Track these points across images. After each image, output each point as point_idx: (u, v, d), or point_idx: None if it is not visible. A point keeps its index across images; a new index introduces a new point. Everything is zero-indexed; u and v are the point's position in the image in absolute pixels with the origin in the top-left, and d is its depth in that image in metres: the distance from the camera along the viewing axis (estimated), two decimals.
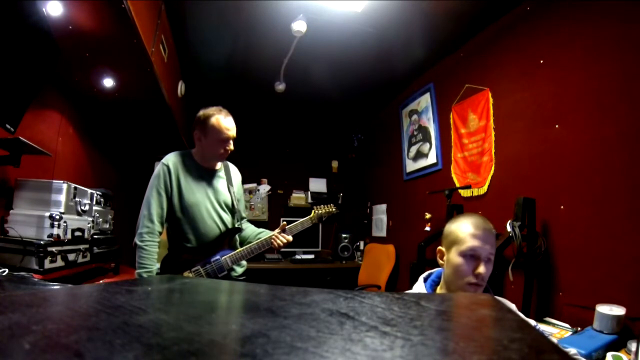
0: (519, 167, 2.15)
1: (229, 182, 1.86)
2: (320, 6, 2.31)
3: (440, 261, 1.17)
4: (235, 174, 1.93)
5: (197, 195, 1.74)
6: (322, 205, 1.91)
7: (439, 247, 1.18)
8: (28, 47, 1.48)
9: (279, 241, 1.76)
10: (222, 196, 1.80)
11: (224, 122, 1.71)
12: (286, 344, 0.23)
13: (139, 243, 1.62)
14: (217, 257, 1.72)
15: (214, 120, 1.71)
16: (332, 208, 1.91)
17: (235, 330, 0.30)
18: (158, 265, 1.68)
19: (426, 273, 1.26)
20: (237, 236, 1.88)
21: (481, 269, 1.06)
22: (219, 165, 1.86)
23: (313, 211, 1.88)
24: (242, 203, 1.97)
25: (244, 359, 0.23)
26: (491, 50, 2.45)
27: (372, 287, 3.42)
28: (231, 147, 1.75)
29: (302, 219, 1.83)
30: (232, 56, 3.07)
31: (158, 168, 1.73)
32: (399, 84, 3.54)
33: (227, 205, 1.82)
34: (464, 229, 1.10)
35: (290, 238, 1.78)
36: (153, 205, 1.66)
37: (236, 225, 1.85)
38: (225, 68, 3.30)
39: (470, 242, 1.07)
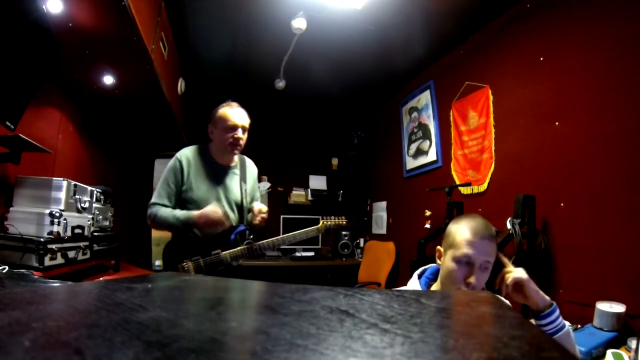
0: (519, 164, 2.15)
1: (243, 178, 1.88)
2: (321, 3, 2.30)
3: (438, 261, 1.16)
4: (251, 169, 1.96)
5: (206, 191, 1.76)
6: (332, 217, 1.87)
7: (438, 247, 1.17)
8: (28, 45, 1.48)
9: (258, 219, 1.78)
10: (232, 194, 1.83)
11: (231, 111, 1.77)
12: (286, 341, 0.23)
13: (151, 211, 1.69)
14: (218, 251, 1.74)
15: (221, 110, 1.78)
16: (342, 220, 1.87)
17: (235, 328, 0.30)
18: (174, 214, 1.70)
19: (420, 269, 1.25)
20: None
21: (472, 278, 1.03)
22: (235, 161, 1.88)
23: (322, 222, 1.85)
24: (258, 195, 2.01)
25: (244, 356, 0.23)
26: (491, 47, 2.44)
27: (372, 284, 3.42)
28: (239, 135, 1.76)
29: (308, 228, 1.82)
30: (232, 54, 3.06)
31: (172, 161, 1.78)
32: (399, 81, 3.53)
33: (236, 204, 1.84)
34: (462, 234, 1.06)
35: (263, 207, 1.81)
36: (162, 192, 1.73)
37: (244, 223, 1.87)
38: (226, 65, 3.30)
39: (465, 250, 1.04)
